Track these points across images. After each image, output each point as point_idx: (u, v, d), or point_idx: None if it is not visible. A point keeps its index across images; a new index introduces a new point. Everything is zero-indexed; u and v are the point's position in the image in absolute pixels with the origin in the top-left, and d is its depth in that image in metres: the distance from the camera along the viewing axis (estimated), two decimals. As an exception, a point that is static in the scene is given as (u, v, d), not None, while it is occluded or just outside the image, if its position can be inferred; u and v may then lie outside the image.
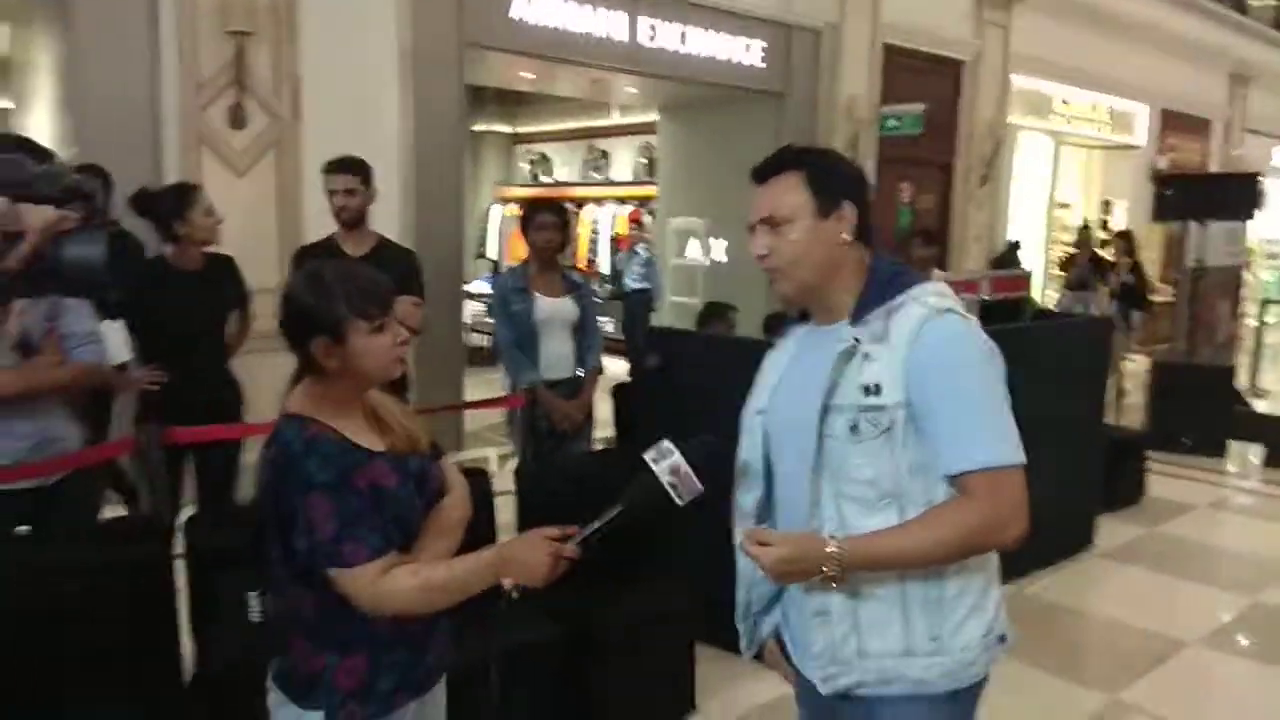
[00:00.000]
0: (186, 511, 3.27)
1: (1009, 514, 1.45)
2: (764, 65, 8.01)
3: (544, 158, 13.39)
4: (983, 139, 9.82)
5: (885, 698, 1.54)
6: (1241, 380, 8.47)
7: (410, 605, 1.54)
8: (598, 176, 12.55)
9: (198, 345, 3.26)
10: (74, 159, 4.20)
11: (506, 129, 13.58)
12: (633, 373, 8.28)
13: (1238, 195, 7.44)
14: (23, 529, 2.54)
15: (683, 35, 7.42)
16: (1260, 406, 8.74)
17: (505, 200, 12.56)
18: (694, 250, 8.60)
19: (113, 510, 3.50)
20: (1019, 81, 10.34)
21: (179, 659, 2.53)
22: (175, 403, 3.10)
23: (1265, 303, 10.11)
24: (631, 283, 8.87)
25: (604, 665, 2.85)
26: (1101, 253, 9.16)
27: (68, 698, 2.23)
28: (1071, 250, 9.47)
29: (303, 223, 5.45)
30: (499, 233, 11.93)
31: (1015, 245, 10.30)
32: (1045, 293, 11.19)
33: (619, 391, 4.60)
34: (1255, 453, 6.95)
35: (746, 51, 7.87)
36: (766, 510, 1.71)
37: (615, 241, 11.01)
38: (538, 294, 3.80)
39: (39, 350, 2.05)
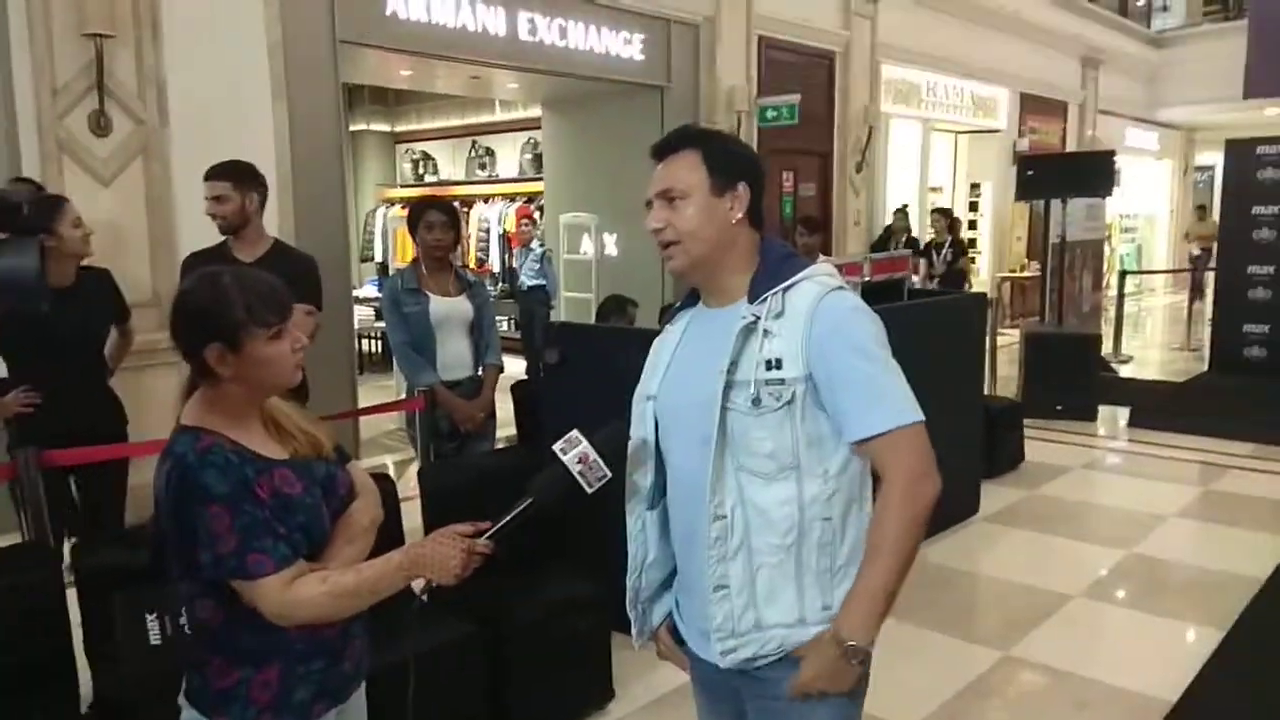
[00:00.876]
0: (73, 536, 3.13)
1: (923, 466, 1.52)
2: (644, 58, 8.08)
3: (427, 156, 13.18)
4: (857, 127, 10.15)
5: (780, 664, 1.58)
6: (1106, 348, 9.01)
7: (320, 613, 1.51)
8: (483, 174, 12.43)
9: (73, 364, 3.11)
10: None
11: (386, 128, 13.32)
12: (530, 369, 8.30)
13: (1095, 173, 7.88)
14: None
15: (562, 30, 7.41)
16: (1124, 371, 9.33)
17: (389, 201, 12.33)
18: (586, 245, 8.62)
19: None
20: (888, 71, 10.72)
21: (75, 686, 2.43)
22: (53, 425, 2.95)
23: (1124, 274, 10.74)
24: (527, 280, 8.83)
25: (520, 658, 2.86)
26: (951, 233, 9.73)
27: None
28: (889, 235, 9.95)
29: (176, 232, 5.25)
30: (384, 235, 11.69)
31: (903, 210, 10.63)
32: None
33: (518, 389, 4.59)
34: (1122, 415, 7.40)
35: (626, 45, 7.92)
36: (658, 495, 1.73)
37: (505, 239, 10.94)
38: (431, 294, 3.75)
39: None
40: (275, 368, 1.55)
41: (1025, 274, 13.05)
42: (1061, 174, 8.11)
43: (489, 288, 6.74)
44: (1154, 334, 13.15)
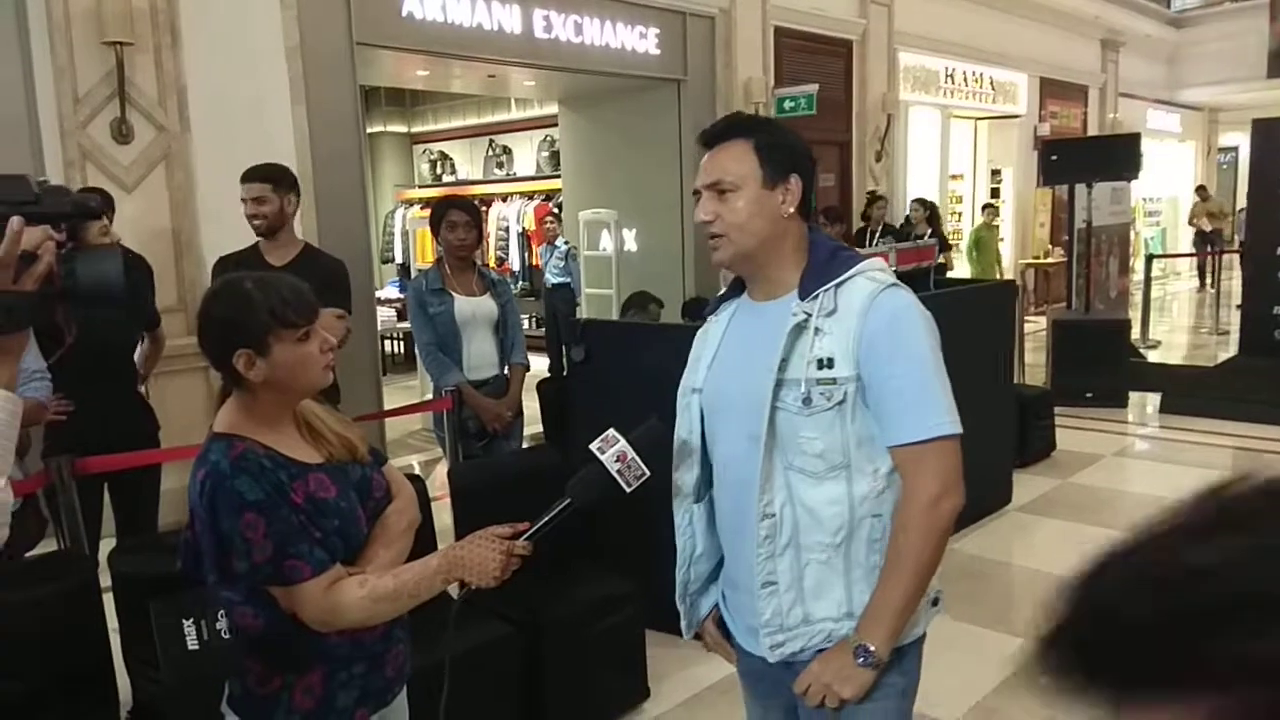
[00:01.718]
0: (108, 543, 3.14)
1: (950, 481, 1.50)
2: (659, 53, 8.04)
3: (444, 156, 13.20)
4: (876, 115, 10.07)
5: None
6: (1134, 333, 8.90)
7: (360, 618, 1.50)
8: (501, 173, 12.43)
9: (106, 370, 3.12)
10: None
11: (403, 129, 13.35)
12: (554, 367, 8.29)
13: (1120, 156, 7.76)
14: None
15: (577, 26, 7.39)
16: (1153, 356, 9.22)
17: (408, 202, 12.35)
18: (605, 242, 8.60)
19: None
20: (906, 58, 10.63)
21: (115, 691, 2.44)
22: (86, 432, 2.96)
23: (1150, 258, 10.61)
24: (552, 277, 8.82)
25: (556, 658, 2.85)
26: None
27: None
28: (862, 223, 9.35)
29: (200, 237, 5.27)
30: (403, 236, 11.71)
31: (879, 197, 10.50)
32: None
33: (544, 387, 4.58)
34: (1152, 401, 7.30)
35: (642, 40, 7.89)
36: (704, 489, 1.71)
37: (525, 237, 10.93)
38: (456, 294, 3.74)
39: None
40: (304, 370, 1.53)
41: (1049, 260, 12.93)
42: (1086, 158, 7.99)
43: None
44: (1180, 318, 13.00)
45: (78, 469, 2.81)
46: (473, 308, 3.74)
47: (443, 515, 3.15)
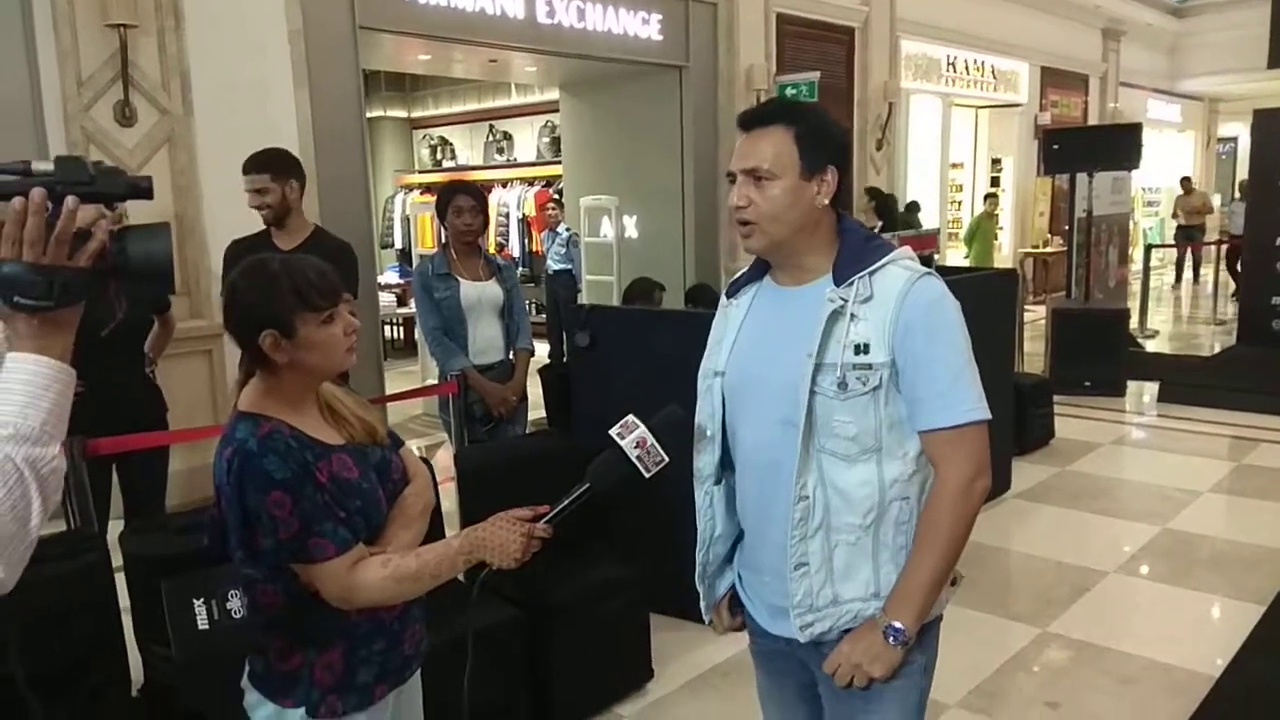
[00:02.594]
0: (116, 523, 3.16)
1: (982, 464, 1.54)
2: (662, 39, 8.03)
3: (444, 142, 13.18)
4: (877, 103, 10.06)
5: None
6: (1132, 323, 8.93)
7: (382, 596, 1.52)
8: (501, 159, 12.41)
9: (116, 352, 3.13)
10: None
11: (403, 114, 13.32)
12: (554, 353, 8.30)
13: (1121, 146, 7.78)
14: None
15: (580, 11, 7.38)
16: (1150, 346, 9.25)
17: (408, 187, 12.33)
18: (606, 228, 8.60)
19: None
20: (908, 46, 10.62)
21: (126, 670, 2.46)
22: (96, 413, 2.96)
23: (1149, 248, 10.64)
24: (554, 263, 8.82)
25: (561, 640, 2.88)
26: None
27: (16, 715, 2.15)
28: None
29: (204, 220, 5.27)
30: (403, 221, 11.70)
31: (914, 205, 10.61)
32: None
33: (547, 373, 4.59)
34: (1150, 390, 7.34)
35: (644, 25, 7.87)
36: (722, 471, 1.73)
37: (525, 223, 10.93)
38: (461, 279, 3.75)
39: None
40: (329, 351, 1.55)
41: (1048, 250, 12.95)
42: (1087, 147, 8.01)
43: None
44: (1178, 307, 13.03)
45: (88, 450, 2.83)
46: (478, 293, 3.75)
47: (446, 499, 3.17)
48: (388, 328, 9.91)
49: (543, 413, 4.80)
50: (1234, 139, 19.88)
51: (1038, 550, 4.40)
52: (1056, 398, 6.26)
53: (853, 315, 1.53)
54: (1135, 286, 10.45)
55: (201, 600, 2.53)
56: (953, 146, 12.41)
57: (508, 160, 12.33)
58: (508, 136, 12.46)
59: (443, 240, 4.06)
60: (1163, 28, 16.03)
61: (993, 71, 12.24)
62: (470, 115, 12.70)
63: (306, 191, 5.60)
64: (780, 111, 1.59)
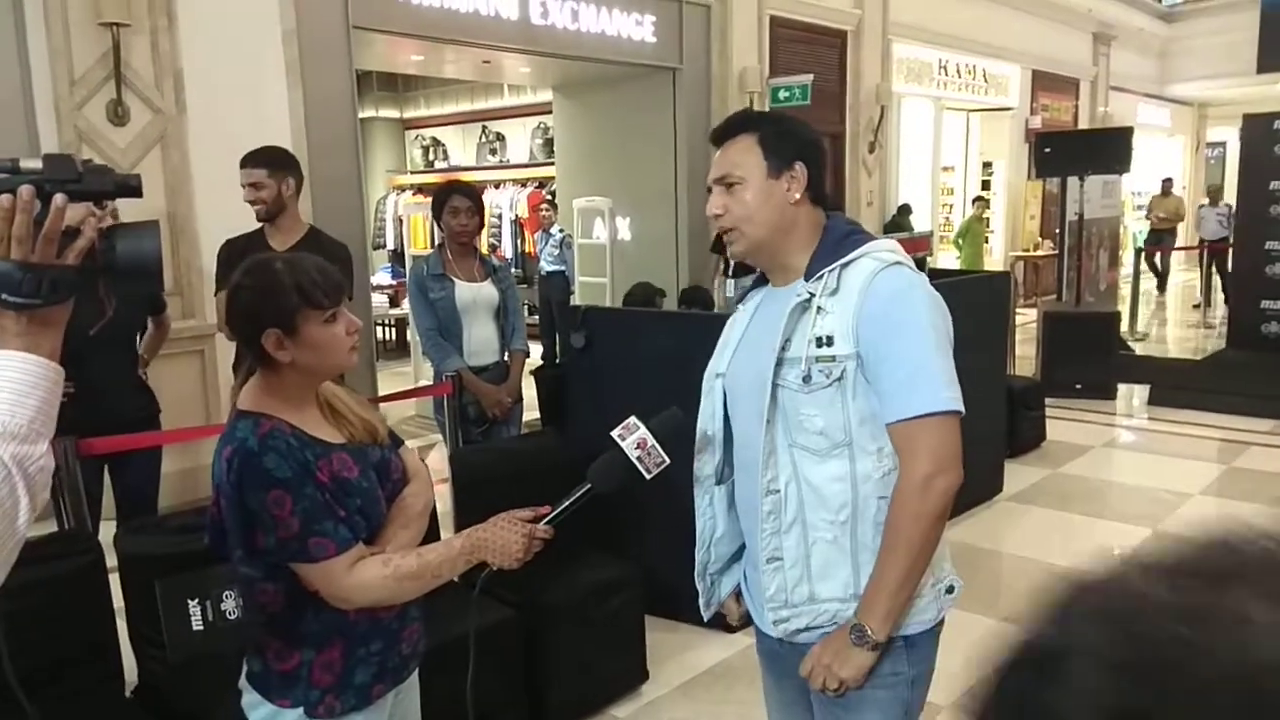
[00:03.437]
0: (107, 524, 3.15)
1: (946, 459, 1.49)
2: (655, 41, 8.04)
3: (437, 142, 13.15)
4: (869, 106, 10.10)
5: None
6: (1123, 326, 8.97)
7: (382, 596, 1.52)
8: (494, 160, 12.40)
9: (109, 353, 3.12)
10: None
11: (395, 114, 13.29)
12: (547, 354, 8.29)
13: (1113, 150, 7.82)
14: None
15: (574, 12, 7.38)
16: (1141, 349, 9.30)
17: (400, 188, 12.31)
18: (599, 230, 8.60)
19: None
20: (900, 49, 10.65)
21: (120, 670, 2.45)
22: (88, 413, 2.95)
23: (1139, 251, 10.69)
24: (547, 265, 8.81)
25: (556, 640, 2.88)
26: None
27: (9, 716, 2.14)
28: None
29: (196, 221, 5.26)
30: (395, 222, 11.68)
31: (906, 208, 10.64)
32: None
33: (541, 374, 4.59)
34: (1141, 393, 7.37)
35: (638, 27, 7.88)
36: (726, 472, 1.74)
37: (518, 225, 10.92)
38: (457, 280, 3.74)
39: None
40: (331, 350, 1.55)
41: (1039, 253, 13.00)
42: (1078, 151, 8.05)
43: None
44: (1167, 311, 13.10)
45: (80, 450, 2.82)
46: (474, 293, 3.75)
47: (440, 501, 3.16)
48: (380, 328, 9.89)
49: (537, 414, 4.80)
50: (1223, 143, 19.99)
51: (1029, 552, 4.41)
52: (1047, 400, 6.29)
53: (819, 308, 1.53)
54: (1126, 290, 10.51)
55: (196, 601, 2.52)
56: (944, 150, 12.46)
57: (500, 161, 12.32)
58: (500, 138, 12.44)
59: (437, 241, 4.06)
60: (1153, 32, 16.14)
61: (984, 75, 12.29)
62: (463, 116, 12.68)
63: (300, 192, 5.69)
64: (743, 122, 1.65)
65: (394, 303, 9.77)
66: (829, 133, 9.83)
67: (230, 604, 2.55)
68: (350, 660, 1.56)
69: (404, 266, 9.34)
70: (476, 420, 3.77)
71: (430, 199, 4.06)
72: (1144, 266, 11.80)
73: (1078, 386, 7.06)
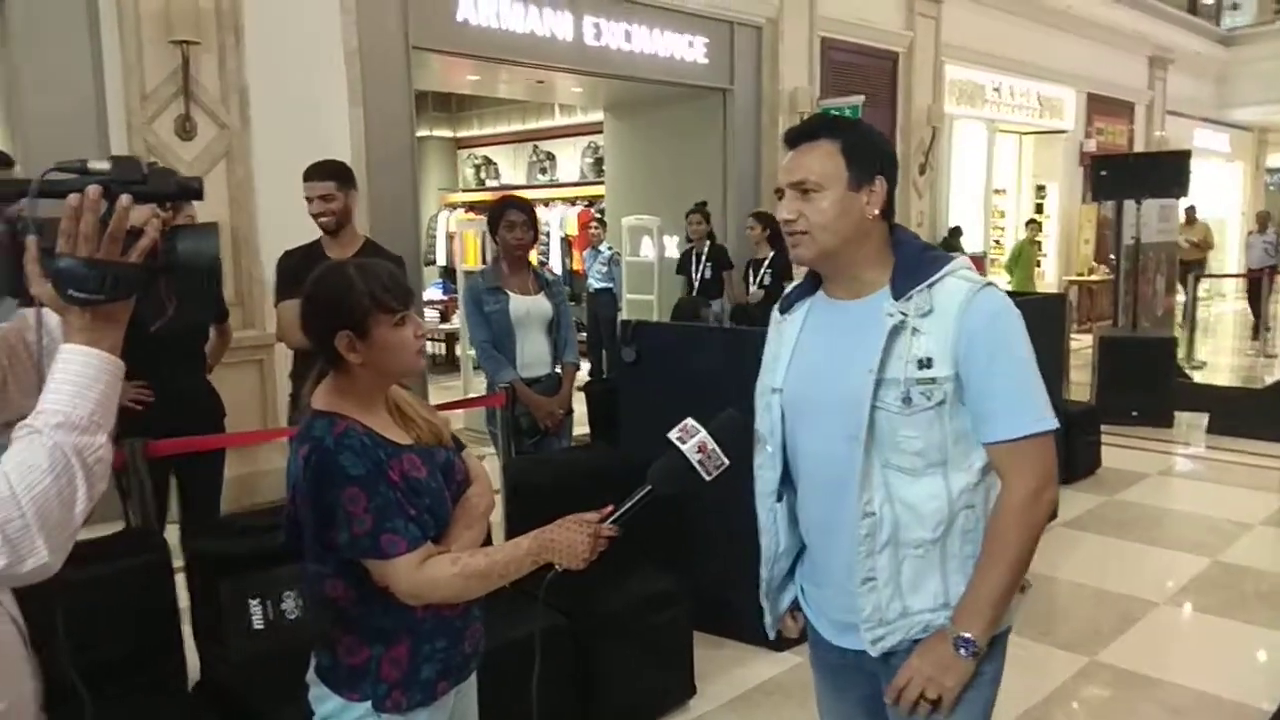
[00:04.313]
0: (173, 524, 3.23)
1: (1049, 475, 1.54)
2: (707, 62, 8.10)
3: (488, 161, 13.35)
4: (921, 128, 10.06)
5: None
6: (1180, 353, 8.79)
7: (450, 593, 1.55)
8: (544, 178, 12.55)
9: (177, 359, 3.20)
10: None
11: (449, 134, 13.52)
12: (594, 371, 8.33)
13: (1169, 173, 7.70)
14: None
15: (627, 34, 7.47)
16: (1198, 377, 9.10)
17: (451, 206, 12.50)
18: (647, 248, 8.66)
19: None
20: (952, 71, 10.61)
21: (183, 666, 2.51)
22: (157, 417, 3.04)
23: (1197, 277, 10.49)
24: (595, 282, 8.88)
25: (607, 651, 2.88)
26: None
27: (72, 709, 2.19)
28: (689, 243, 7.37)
29: (258, 234, 5.38)
30: (446, 239, 11.86)
31: (957, 231, 10.56)
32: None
33: (592, 388, 4.63)
34: (1199, 421, 7.21)
35: (690, 48, 7.95)
36: (783, 488, 1.73)
37: (566, 242, 11.03)
38: (512, 293, 3.79)
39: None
40: (401, 353, 1.59)
41: (1094, 278, 12.81)
42: (1135, 174, 7.94)
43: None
44: (1225, 339, 12.81)
45: (149, 451, 2.90)
46: (527, 306, 3.79)
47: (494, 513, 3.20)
48: (430, 344, 10.02)
49: (586, 429, 4.83)
50: (1283, 169, 19.60)
51: (1085, 579, 4.33)
52: (1103, 427, 6.18)
53: (914, 330, 1.53)
54: (1184, 317, 10.30)
55: (258, 601, 2.57)
56: (996, 172, 12.35)
57: (550, 180, 12.47)
58: (551, 157, 12.60)
59: (491, 255, 4.11)
60: (1211, 56, 15.88)
61: (1038, 97, 12.18)
62: (514, 136, 12.87)
63: (360, 207, 5.81)
64: (825, 126, 1.60)
65: (444, 318, 9.89)
66: (879, 154, 9.80)
67: (290, 604, 2.60)
68: (417, 657, 1.58)
69: (454, 282, 9.47)
70: (529, 431, 3.81)
71: (482, 216, 4.13)
72: (1201, 293, 11.58)
73: (1134, 413, 6.94)
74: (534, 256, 10.90)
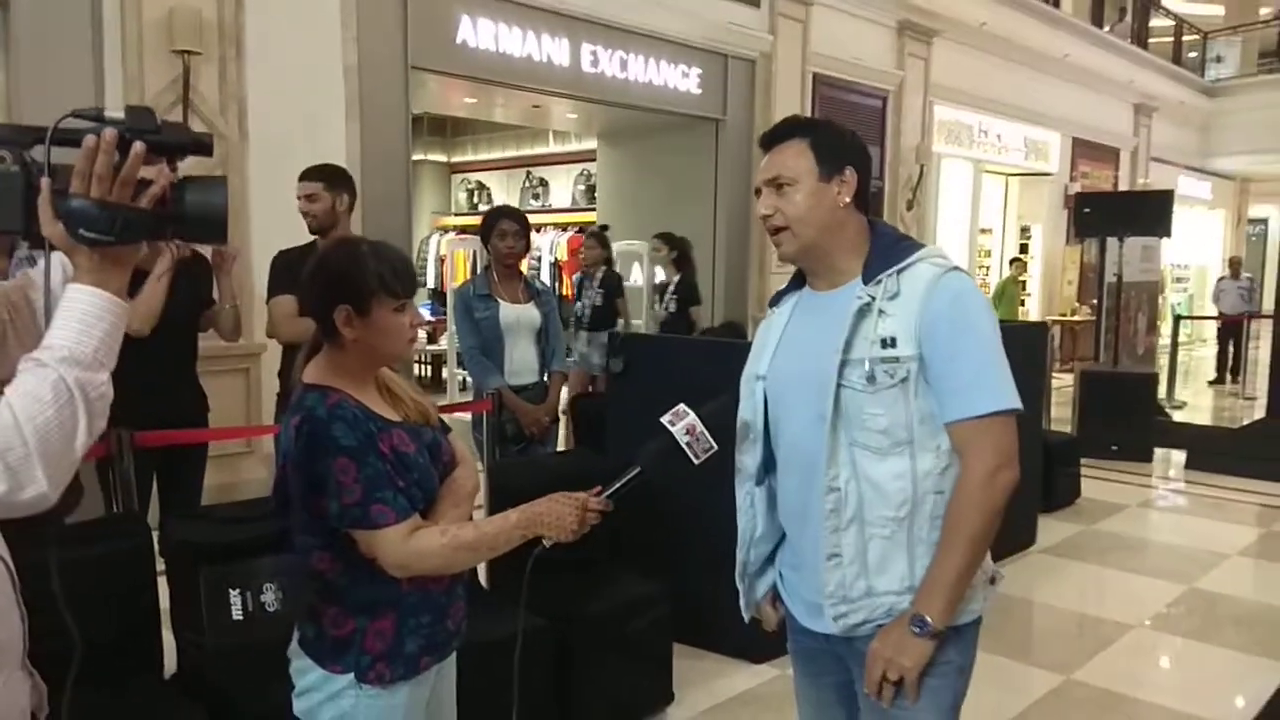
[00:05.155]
0: (153, 515, 3.22)
1: (1008, 454, 1.56)
2: (700, 92, 8.22)
3: (482, 186, 13.45)
4: (908, 165, 10.21)
5: None
6: (1160, 392, 8.88)
7: (438, 565, 1.57)
8: (537, 204, 12.64)
9: (167, 350, 3.20)
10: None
11: (443, 158, 13.61)
12: (590, 386, 8.33)
13: (1153, 212, 7.84)
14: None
15: (623, 62, 7.58)
16: (1178, 416, 9.19)
17: (444, 229, 12.56)
18: (637, 274, 8.73)
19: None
20: (941, 111, 10.79)
21: (160, 654, 2.50)
22: (144, 408, 3.03)
23: (1178, 319, 10.63)
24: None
25: (586, 654, 2.89)
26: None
27: (50, 692, 2.19)
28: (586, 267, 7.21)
29: (251, 245, 5.40)
30: (437, 261, 11.90)
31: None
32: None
33: (576, 404, 4.66)
34: (1178, 457, 7.28)
35: (684, 78, 8.08)
36: (764, 472, 1.77)
37: (557, 267, 11.09)
38: (502, 301, 3.84)
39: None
40: (394, 338, 1.62)
41: (1076, 318, 12.95)
42: (1119, 212, 8.08)
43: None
44: (1205, 380, 12.93)
45: (135, 442, 2.90)
46: (517, 314, 3.84)
47: (477, 515, 3.21)
48: (417, 365, 10.04)
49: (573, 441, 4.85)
50: (1265, 220, 19.89)
51: (1063, 603, 4.37)
52: (1083, 460, 6.24)
53: (880, 311, 1.57)
54: (1163, 360, 10.41)
55: (238, 591, 2.57)
56: (982, 212, 12.52)
57: (543, 206, 12.56)
58: (544, 183, 12.70)
59: (485, 263, 4.16)
60: (1195, 106, 16.20)
61: (1024, 140, 12.39)
62: (508, 161, 12.98)
63: (354, 223, 5.84)
64: (795, 127, 1.68)
65: (432, 339, 9.91)
66: (868, 189, 9.95)
67: (270, 596, 2.60)
68: (402, 630, 1.60)
69: (443, 304, 9.50)
70: (514, 438, 3.83)
71: (473, 237, 4.17)
72: (1183, 337, 11.70)
73: (1114, 447, 7.00)
74: (525, 266, 11.03)
